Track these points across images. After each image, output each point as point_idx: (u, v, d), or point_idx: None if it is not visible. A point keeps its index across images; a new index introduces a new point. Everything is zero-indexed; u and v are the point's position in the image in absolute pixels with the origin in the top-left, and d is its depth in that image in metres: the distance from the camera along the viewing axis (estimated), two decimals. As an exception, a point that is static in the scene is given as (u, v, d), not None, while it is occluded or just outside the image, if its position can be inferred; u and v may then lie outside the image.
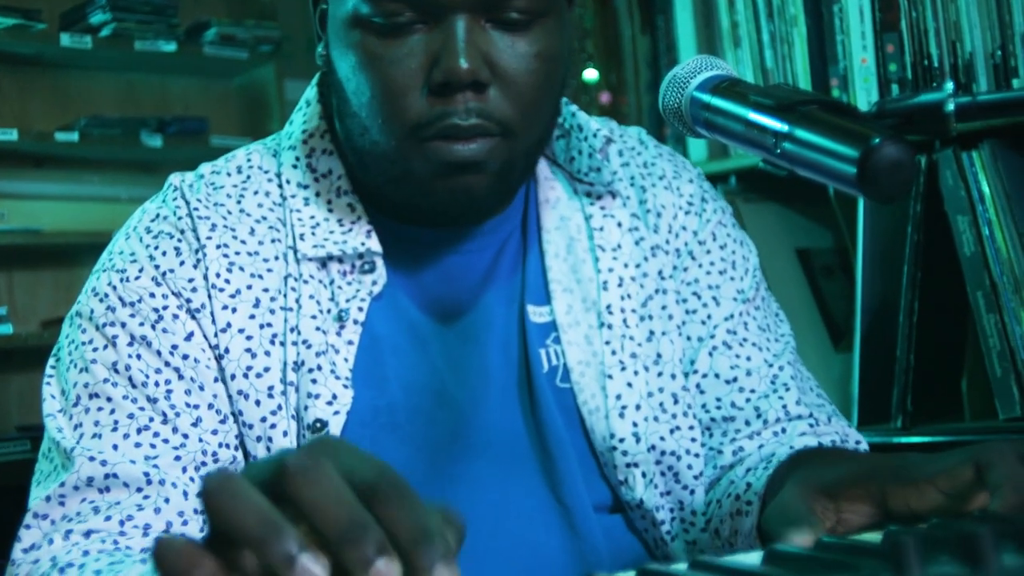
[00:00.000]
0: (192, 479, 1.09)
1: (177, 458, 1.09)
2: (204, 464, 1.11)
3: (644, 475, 1.19)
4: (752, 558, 0.73)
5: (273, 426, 1.12)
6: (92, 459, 1.08)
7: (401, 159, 1.11)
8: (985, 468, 0.85)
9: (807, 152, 0.81)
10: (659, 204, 1.29)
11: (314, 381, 1.12)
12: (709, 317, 1.27)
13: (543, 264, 1.23)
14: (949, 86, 0.82)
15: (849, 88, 2.23)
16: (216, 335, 1.13)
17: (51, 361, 1.18)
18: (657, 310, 1.24)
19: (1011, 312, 1.98)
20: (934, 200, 2.09)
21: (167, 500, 1.07)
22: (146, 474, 1.07)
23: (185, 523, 1.08)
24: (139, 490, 1.07)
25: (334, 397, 1.12)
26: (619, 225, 1.25)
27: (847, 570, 0.62)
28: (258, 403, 1.12)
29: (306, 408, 1.12)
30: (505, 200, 1.21)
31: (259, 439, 1.12)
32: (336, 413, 1.12)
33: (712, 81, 0.94)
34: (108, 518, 1.06)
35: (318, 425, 1.11)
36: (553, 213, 1.24)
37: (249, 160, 1.23)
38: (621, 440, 1.18)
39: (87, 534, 1.06)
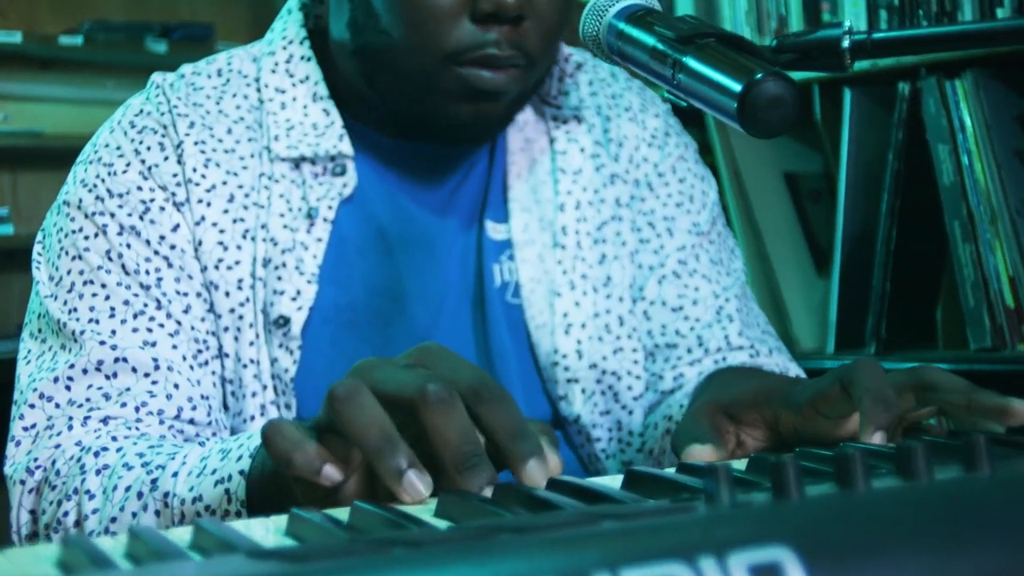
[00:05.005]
0: (191, 366, 1.13)
1: (174, 346, 1.13)
2: (199, 352, 1.14)
3: (583, 391, 1.22)
4: (615, 482, 0.76)
5: (240, 317, 1.16)
6: (103, 343, 1.11)
7: (429, 80, 1.14)
8: (848, 384, 0.88)
9: (697, 84, 0.82)
10: (622, 135, 1.31)
11: (279, 278, 1.16)
12: (662, 247, 1.30)
13: (505, 183, 1.26)
14: (846, 23, 0.83)
15: (839, 11, 2.22)
16: (193, 227, 1.17)
17: (37, 248, 1.21)
18: (611, 235, 1.27)
19: (986, 243, 1.99)
20: (916, 129, 2.09)
21: (176, 386, 1.11)
22: (155, 359, 1.11)
23: (195, 408, 1.12)
24: (146, 375, 1.10)
25: (298, 293, 1.16)
26: (582, 150, 1.28)
27: (673, 492, 0.64)
28: (227, 294, 1.16)
29: (271, 304, 1.16)
30: (506, 125, 1.24)
31: (227, 329, 1.16)
32: (299, 309, 1.16)
33: (629, 10, 0.95)
34: (124, 404, 1.09)
35: (281, 321, 1.16)
36: (519, 135, 1.27)
37: (230, 64, 1.26)
38: (564, 356, 1.22)
39: (105, 420, 1.09)
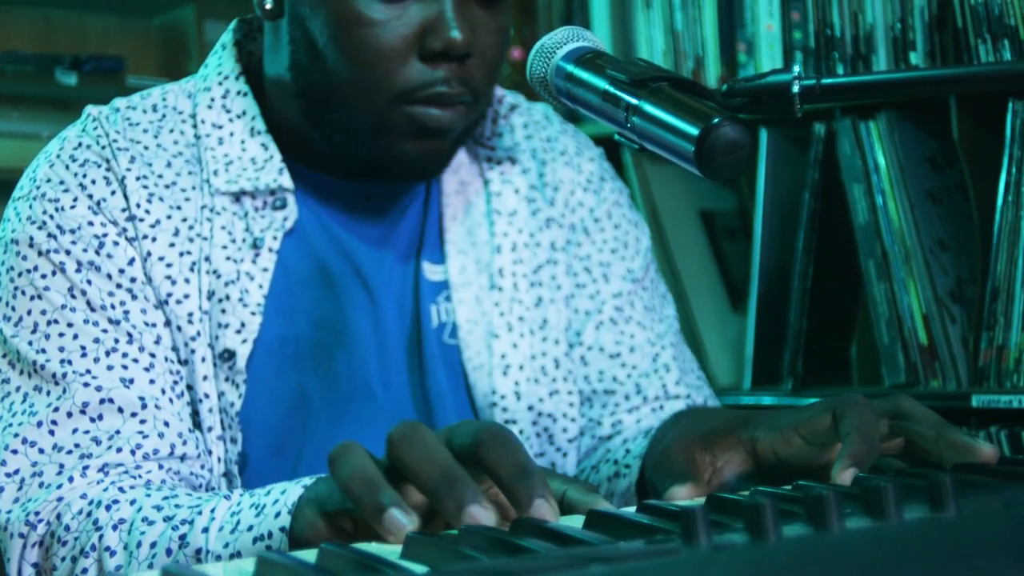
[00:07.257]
0: (171, 399, 1.12)
1: (152, 380, 1.11)
2: (175, 383, 1.13)
3: (521, 432, 1.23)
4: (575, 521, 0.76)
5: (193, 351, 1.15)
6: (87, 385, 1.09)
7: (379, 119, 1.15)
8: (840, 417, 0.92)
9: (652, 127, 0.83)
10: (558, 178, 1.33)
11: (223, 311, 1.16)
12: (598, 292, 1.31)
13: (441, 225, 1.26)
14: (795, 68, 0.84)
15: (755, 53, 2.26)
16: (143, 263, 1.15)
17: None
18: (547, 278, 1.28)
19: (900, 281, 2.03)
20: (832, 168, 2.13)
21: (166, 423, 1.10)
22: (141, 398, 1.09)
23: (185, 443, 1.11)
24: (133, 415, 1.09)
25: (242, 325, 1.16)
26: (516, 192, 1.29)
27: (650, 533, 0.65)
28: (179, 328, 1.15)
29: (217, 338, 1.15)
30: (449, 162, 1.24)
31: (185, 362, 1.15)
32: (244, 341, 1.15)
33: (577, 52, 0.95)
34: (119, 449, 1.07)
35: (226, 355, 1.14)
36: (454, 178, 1.28)
37: (164, 100, 1.25)
38: (502, 397, 1.22)
39: (104, 469, 1.06)
